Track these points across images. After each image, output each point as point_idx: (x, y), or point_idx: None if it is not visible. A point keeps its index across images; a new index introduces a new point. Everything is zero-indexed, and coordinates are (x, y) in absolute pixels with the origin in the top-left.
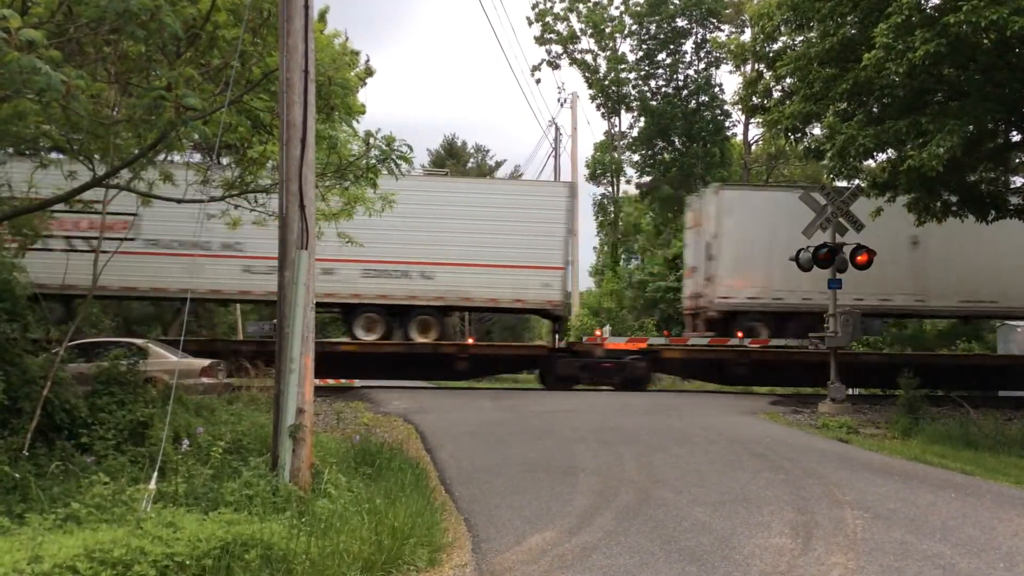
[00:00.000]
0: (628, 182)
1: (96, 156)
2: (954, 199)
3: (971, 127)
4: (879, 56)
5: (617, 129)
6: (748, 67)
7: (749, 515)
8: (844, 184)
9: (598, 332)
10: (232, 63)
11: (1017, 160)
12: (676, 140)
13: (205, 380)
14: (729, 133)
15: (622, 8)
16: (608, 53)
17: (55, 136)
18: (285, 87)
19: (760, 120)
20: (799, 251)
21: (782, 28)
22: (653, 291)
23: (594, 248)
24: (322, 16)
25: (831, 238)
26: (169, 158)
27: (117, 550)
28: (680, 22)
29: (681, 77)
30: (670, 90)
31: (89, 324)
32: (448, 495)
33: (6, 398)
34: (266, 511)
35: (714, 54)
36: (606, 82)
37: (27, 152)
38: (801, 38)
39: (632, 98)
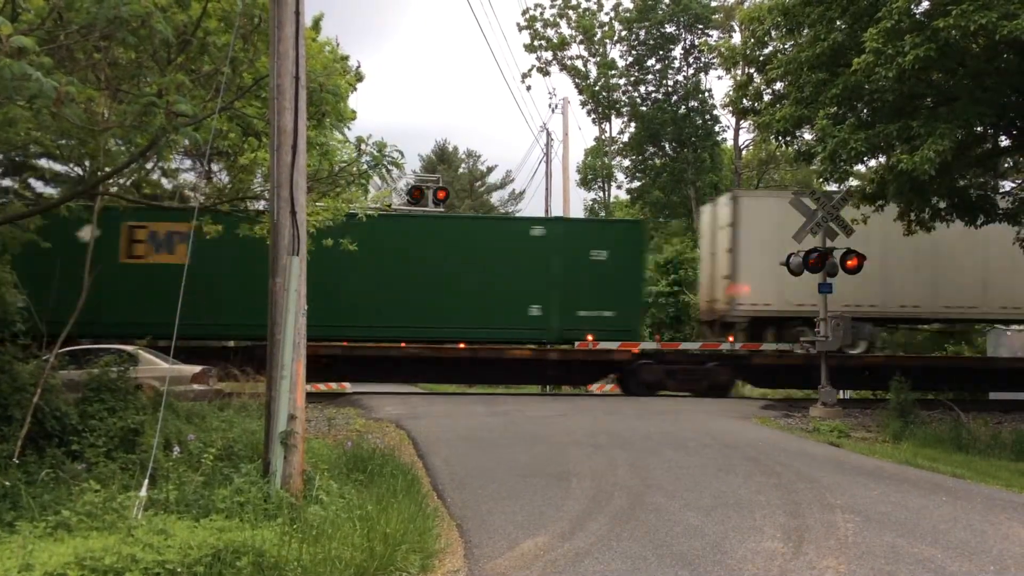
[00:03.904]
0: (619, 187)
1: (86, 162)
2: (943, 204)
3: (961, 131)
4: (869, 61)
5: (608, 134)
6: (739, 71)
7: (741, 519)
8: (835, 188)
9: (590, 337)
10: (223, 69)
11: (1006, 164)
12: (666, 145)
13: (196, 387)
14: (719, 138)
15: (612, 14)
16: (598, 59)
17: (46, 142)
18: (276, 93)
19: (752, 121)
20: (789, 255)
21: (772, 33)
22: (644, 296)
23: None
24: (316, 24)
25: (821, 243)
26: (160, 164)
27: (108, 557)
28: (669, 28)
29: (671, 83)
30: (660, 95)
31: None
32: (440, 501)
33: None
34: (258, 518)
35: (703, 59)
36: (596, 88)
37: (17, 158)
38: (791, 43)
39: (622, 104)
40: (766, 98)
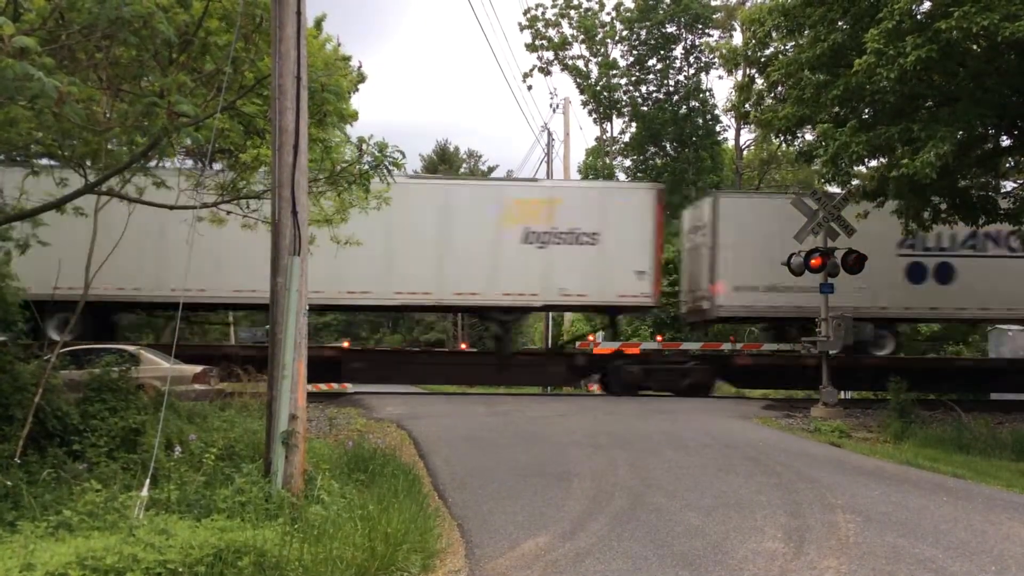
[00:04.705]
0: None
1: (87, 162)
2: (943, 205)
3: (962, 133)
4: (870, 62)
5: (609, 134)
6: (740, 72)
7: (742, 519)
8: (836, 189)
9: (591, 337)
10: (225, 69)
11: (1007, 165)
12: (667, 145)
13: (197, 386)
14: (720, 138)
15: (613, 14)
16: (599, 59)
17: (47, 142)
18: (277, 93)
19: (753, 117)
20: (791, 255)
21: (773, 34)
22: None
23: None
24: (318, 24)
25: (823, 243)
26: (161, 164)
27: (110, 557)
28: (670, 28)
29: (671, 82)
30: (661, 95)
31: None
32: (441, 501)
33: None
34: (259, 518)
35: (703, 59)
36: (597, 88)
37: (18, 158)
38: (792, 44)
39: (623, 103)
40: (768, 101)
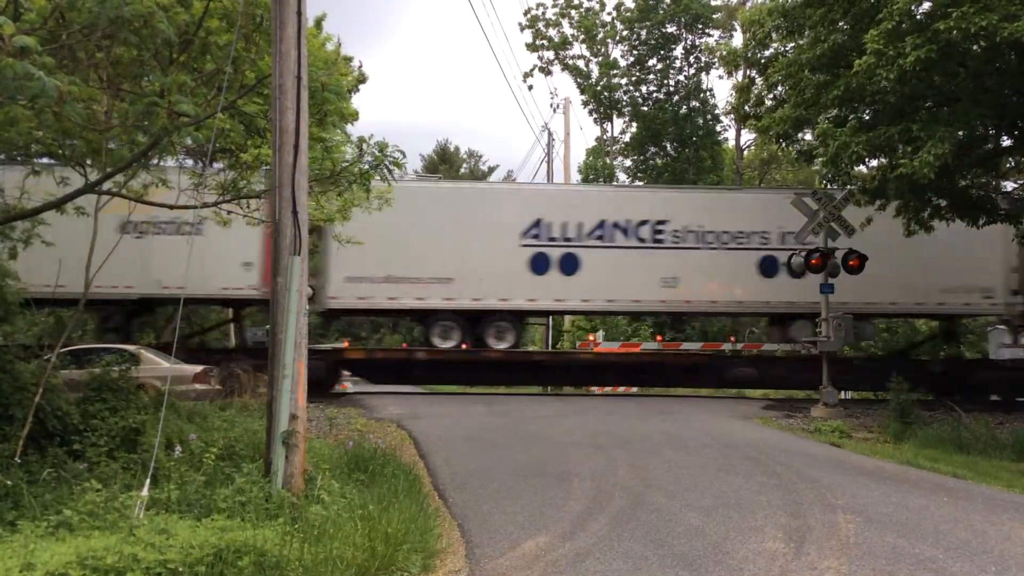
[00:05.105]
0: None
1: (88, 162)
2: (944, 204)
3: (962, 133)
4: (870, 62)
5: (609, 134)
6: (740, 73)
7: (742, 520)
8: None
9: (591, 337)
10: (225, 68)
11: (1008, 165)
12: (668, 145)
13: (198, 386)
14: (721, 138)
15: (613, 14)
16: (600, 59)
17: (47, 142)
18: (278, 93)
19: (750, 124)
20: (791, 255)
21: (773, 35)
22: None
23: None
24: (318, 23)
25: (823, 243)
26: (162, 163)
27: (110, 557)
28: (670, 28)
29: (672, 82)
30: (661, 95)
31: None
32: (442, 501)
33: None
34: (259, 518)
35: (703, 59)
36: (598, 88)
37: (18, 158)
38: (792, 44)
39: (624, 103)
40: (768, 103)
